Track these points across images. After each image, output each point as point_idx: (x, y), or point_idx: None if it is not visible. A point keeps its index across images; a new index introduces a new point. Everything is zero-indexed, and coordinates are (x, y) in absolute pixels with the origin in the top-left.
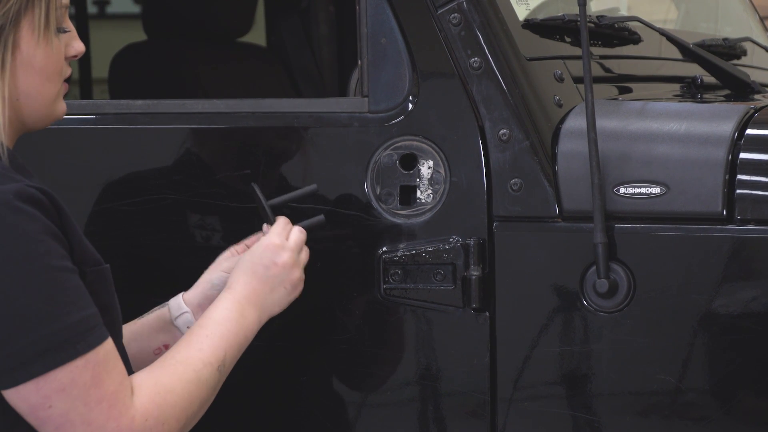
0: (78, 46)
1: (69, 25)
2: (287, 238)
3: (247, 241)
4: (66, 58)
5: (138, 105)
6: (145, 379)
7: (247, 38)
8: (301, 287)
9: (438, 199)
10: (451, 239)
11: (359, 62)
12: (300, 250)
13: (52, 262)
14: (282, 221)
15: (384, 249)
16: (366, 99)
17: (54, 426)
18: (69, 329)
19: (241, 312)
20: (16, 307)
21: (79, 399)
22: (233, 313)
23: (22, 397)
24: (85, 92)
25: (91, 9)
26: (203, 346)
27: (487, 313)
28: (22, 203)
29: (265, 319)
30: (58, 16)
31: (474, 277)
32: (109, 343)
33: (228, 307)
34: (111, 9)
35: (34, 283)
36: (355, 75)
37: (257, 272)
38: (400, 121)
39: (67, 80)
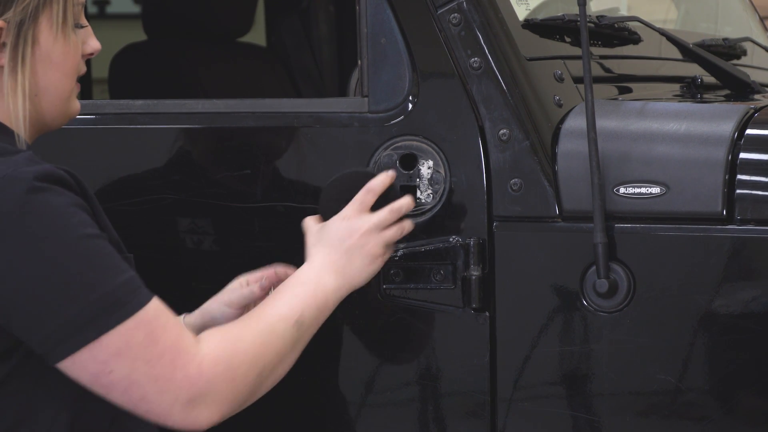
0: (94, 44)
1: (85, 21)
2: (365, 212)
3: (261, 273)
4: (82, 56)
5: (138, 105)
6: (213, 332)
7: (247, 38)
8: (381, 262)
9: (438, 199)
10: (451, 239)
11: (359, 62)
12: (381, 227)
13: (86, 231)
14: (362, 194)
15: None
16: (366, 99)
17: (121, 390)
18: (115, 292)
19: (318, 277)
20: (60, 278)
21: (139, 359)
22: (309, 278)
23: (81, 366)
24: (85, 92)
25: (91, 9)
26: (277, 304)
27: (487, 313)
28: (43, 182)
29: (346, 289)
30: (75, 13)
31: (474, 277)
32: (156, 301)
33: (304, 273)
34: (111, 9)
35: (73, 253)
36: (355, 75)
37: (334, 245)
38: (400, 121)
39: (80, 80)
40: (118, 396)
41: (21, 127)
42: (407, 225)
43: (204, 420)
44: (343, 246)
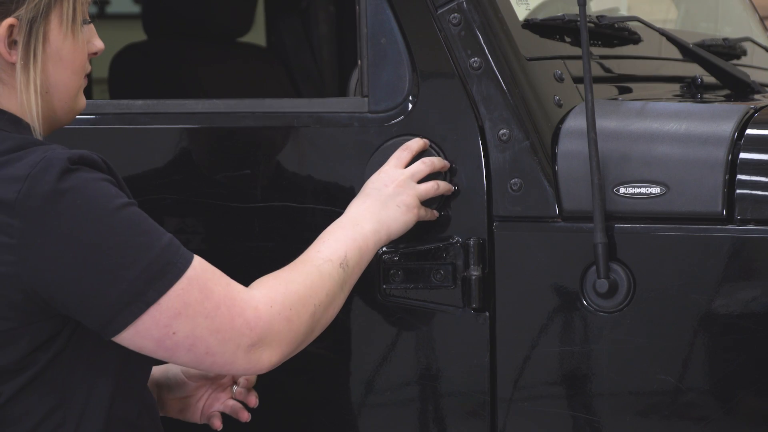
0: (99, 44)
1: (88, 17)
2: (403, 167)
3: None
4: (88, 55)
5: (138, 105)
6: (262, 278)
7: (247, 38)
8: (415, 212)
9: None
10: (451, 239)
11: (359, 62)
12: (415, 179)
13: (123, 200)
14: (398, 152)
15: (384, 249)
16: (366, 99)
17: (185, 348)
18: (164, 253)
19: (356, 222)
20: (111, 248)
21: (199, 315)
22: (347, 224)
23: (145, 334)
24: (86, 92)
25: (91, 9)
26: (321, 248)
27: (487, 313)
28: (76, 164)
29: (383, 233)
30: (83, 11)
31: (474, 277)
32: (198, 257)
33: (342, 221)
34: (111, 9)
35: (118, 222)
36: (355, 75)
37: (370, 194)
38: (400, 121)
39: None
40: (182, 354)
41: (36, 122)
42: (443, 183)
43: (266, 362)
44: (379, 195)
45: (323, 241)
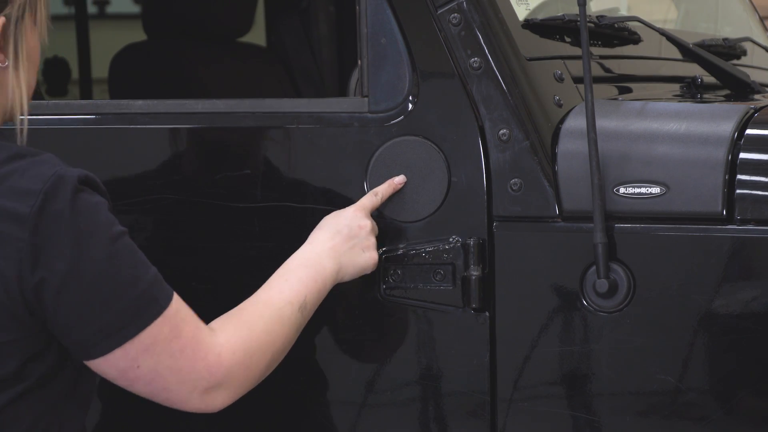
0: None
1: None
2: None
3: None
4: None
5: (138, 105)
6: (226, 321)
7: (247, 38)
8: (373, 255)
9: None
10: (451, 239)
11: (359, 62)
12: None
13: (120, 228)
14: (369, 195)
15: (384, 249)
16: (366, 99)
17: (144, 382)
18: (149, 288)
19: (319, 261)
20: (107, 277)
21: (164, 353)
22: (311, 261)
23: (113, 364)
24: (85, 92)
25: (91, 9)
26: (283, 288)
27: (487, 313)
28: (83, 184)
29: (341, 274)
30: (46, 11)
31: (474, 277)
32: (175, 294)
33: (306, 256)
34: (111, 9)
35: (115, 251)
36: (355, 75)
37: (342, 231)
38: (400, 121)
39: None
40: (140, 387)
41: (22, 122)
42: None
43: (219, 404)
44: (350, 234)
45: (285, 279)
